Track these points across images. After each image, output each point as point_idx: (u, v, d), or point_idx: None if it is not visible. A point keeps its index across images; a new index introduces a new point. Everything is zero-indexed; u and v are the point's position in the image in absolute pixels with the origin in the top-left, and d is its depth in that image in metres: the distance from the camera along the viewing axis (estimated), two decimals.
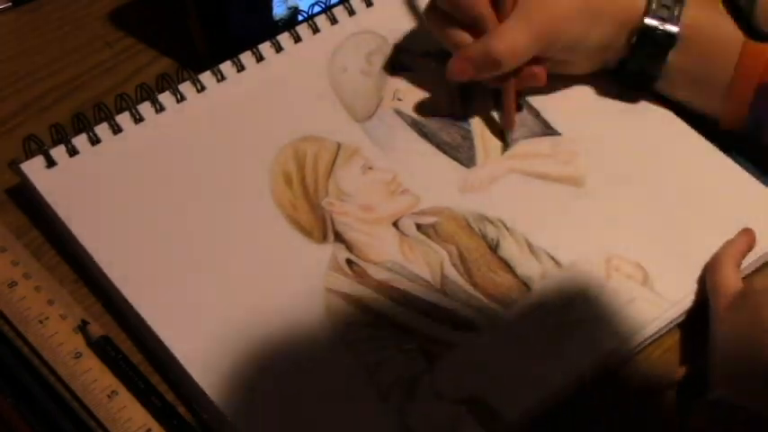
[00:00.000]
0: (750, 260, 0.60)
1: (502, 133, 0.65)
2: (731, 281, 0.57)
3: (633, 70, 0.65)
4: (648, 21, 0.62)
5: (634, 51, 0.64)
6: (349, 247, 0.59)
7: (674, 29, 0.62)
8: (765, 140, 0.63)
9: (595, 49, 0.64)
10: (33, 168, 0.60)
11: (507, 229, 0.61)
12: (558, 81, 0.66)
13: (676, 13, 0.62)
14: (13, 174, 0.61)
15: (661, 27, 0.62)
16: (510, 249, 0.60)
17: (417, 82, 0.67)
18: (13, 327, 0.56)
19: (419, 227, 0.60)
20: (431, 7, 0.64)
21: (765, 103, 0.61)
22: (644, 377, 0.57)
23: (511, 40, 0.61)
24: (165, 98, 0.64)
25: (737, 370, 0.52)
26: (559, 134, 0.66)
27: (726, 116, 0.64)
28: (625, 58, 0.64)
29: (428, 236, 0.60)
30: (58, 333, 0.55)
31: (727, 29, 0.62)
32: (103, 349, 0.55)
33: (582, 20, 0.62)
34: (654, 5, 0.62)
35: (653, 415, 0.55)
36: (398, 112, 0.66)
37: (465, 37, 0.63)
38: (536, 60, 0.63)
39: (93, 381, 0.54)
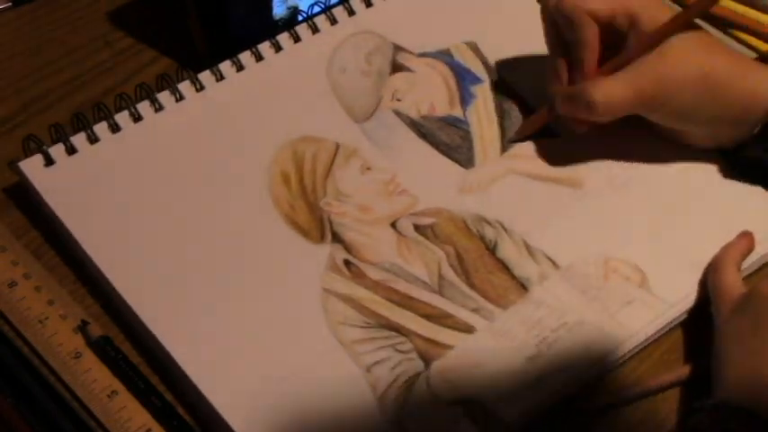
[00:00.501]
0: (750, 261, 0.60)
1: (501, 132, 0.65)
2: (733, 283, 0.56)
3: (753, 158, 0.60)
4: None
5: (755, 140, 0.60)
6: (347, 248, 0.59)
7: None
8: None
9: (709, 125, 0.61)
10: (32, 167, 0.60)
11: (505, 230, 0.61)
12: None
13: None
14: (13, 174, 0.61)
15: None
16: (508, 250, 0.60)
17: (416, 82, 0.67)
18: (13, 327, 0.56)
19: (417, 227, 0.60)
20: (545, 7, 0.63)
21: None
22: (642, 379, 0.57)
23: (609, 89, 0.59)
24: (164, 97, 0.64)
25: (741, 373, 0.51)
26: (558, 136, 0.66)
27: None
28: (744, 143, 0.61)
29: (426, 237, 0.60)
30: (57, 333, 0.56)
31: None
32: (103, 349, 0.55)
33: (696, 91, 0.58)
34: None
35: (652, 416, 0.55)
36: (397, 113, 0.66)
37: (563, 67, 0.61)
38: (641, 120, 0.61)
39: (93, 381, 0.54)
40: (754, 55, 0.69)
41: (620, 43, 0.60)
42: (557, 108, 0.62)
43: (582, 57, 0.61)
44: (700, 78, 0.58)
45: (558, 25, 0.62)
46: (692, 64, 0.58)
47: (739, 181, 0.63)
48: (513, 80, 0.68)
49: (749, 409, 0.49)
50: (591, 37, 0.60)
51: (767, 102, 0.59)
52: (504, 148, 0.65)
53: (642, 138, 0.64)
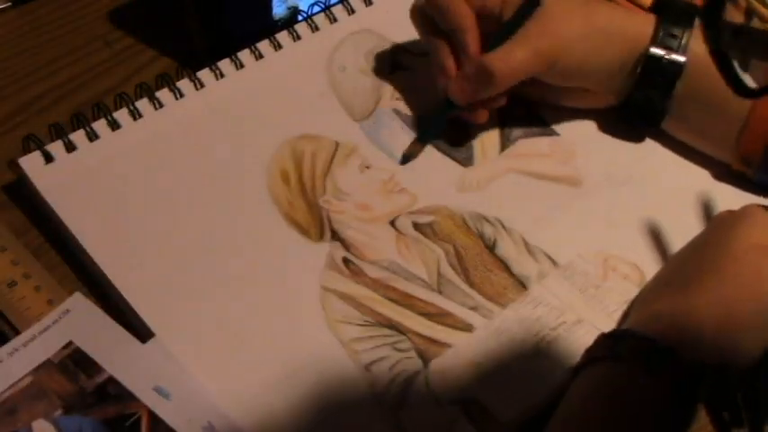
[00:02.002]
0: None
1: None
2: None
3: (639, 102, 0.62)
4: (654, 50, 0.60)
5: (640, 81, 0.61)
6: (346, 246, 0.59)
7: (680, 59, 0.60)
8: None
9: (597, 77, 0.62)
10: (31, 164, 0.60)
11: (504, 228, 0.61)
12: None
13: (683, 41, 0.60)
14: (13, 173, 0.61)
15: (667, 56, 0.60)
16: (507, 249, 0.60)
17: (416, 81, 0.67)
18: (13, 326, 0.56)
19: (416, 226, 0.60)
20: (417, 7, 0.63)
21: None
22: None
23: (506, 55, 0.59)
24: (164, 95, 0.64)
25: (657, 307, 0.52)
26: (558, 134, 0.66)
27: (737, 156, 0.61)
28: (632, 89, 0.62)
29: (425, 235, 0.60)
30: None
31: None
32: None
33: (585, 43, 0.60)
34: (661, 33, 0.60)
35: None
36: (397, 112, 0.66)
37: (443, 46, 0.61)
38: (533, 83, 0.62)
39: None
40: None
41: (493, 24, 0.61)
42: (453, 96, 0.61)
43: (465, 41, 0.60)
44: (585, 29, 0.60)
45: (431, 22, 0.62)
46: (575, 17, 0.60)
47: (737, 184, 0.63)
48: None
49: (648, 336, 0.49)
50: (470, 21, 0.60)
51: (648, 38, 0.60)
52: (503, 147, 0.65)
53: (641, 136, 0.64)
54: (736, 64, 0.42)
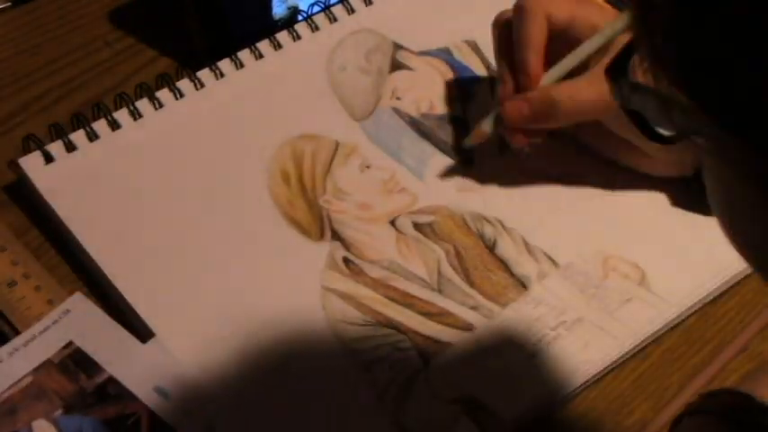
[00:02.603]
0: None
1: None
2: None
3: None
4: None
5: None
6: (346, 246, 0.59)
7: None
8: None
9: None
10: (31, 164, 0.60)
11: (505, 228, 0.61)
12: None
13: None
14: (13, 173, 0.61)
15: None
16: (507, 249, 0.60)
17: (416, 81, 0.67)
18: (13, 326, 0.56)
19: (416, 225, 0.60)
20: (502, 20, 0.61)
21: None
22: (642, 377, 0.57)
23: (577, 91, 0.57)
24: (164, 95, 0.64)
25: None
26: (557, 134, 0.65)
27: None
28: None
29: (425, 234, 0.60)
30: None
31: None
32: None
33: None
34: None
35: (652, 415, 0.55)
36: (397, 111, 0.66)
37: (505, 72, 0.59)
38: (595, 130, 0.59)
39: None
40: None
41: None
42: (505, 116, 0.58)
43: (525, 57, 0.58)
44: None
45: (505, 37, 0.60)
46: None
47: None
48: None
49: (735, 390, 0.49)
50: (536, 34, 0.58)
51: None
52: (502, 147, 0.65)
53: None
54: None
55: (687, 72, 0.29)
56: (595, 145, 0.62)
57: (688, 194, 0.61)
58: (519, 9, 0.59)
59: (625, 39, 0.57)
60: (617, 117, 0.56)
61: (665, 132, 0.42)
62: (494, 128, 0.60)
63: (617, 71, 0.40)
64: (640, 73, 0.40)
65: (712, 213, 0.34)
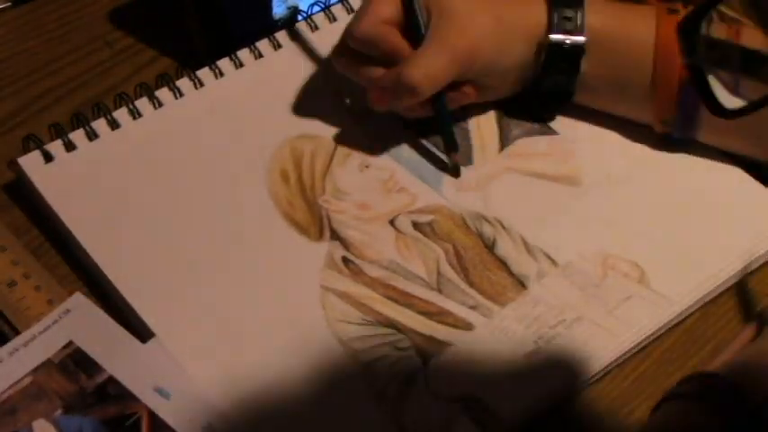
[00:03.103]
0: (750, 260, 0.60)
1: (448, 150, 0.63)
2: None
3: (549, 88, 0.62)
4: (554, 36, 0.60)
5: (546, 69, 0.61)
6: (345, 245, 0.59)
7: (580, 39, 0.60)
8: (701, 137, 0.62)
9: (512, 70, 0.62)
10: (31, 163, 0.60)
11: (504, 227, 0.61)
12: None
13: (579, 21, 0.60)
14: (13, 173, 0.61)
15: (568, 41, 0.60)
16: (506, 248, 0.60)
17: None
18: (13, 326, 0.56)
19: (416, 225, 0.60)
20: (338, 50, 0.62)
21: (693, 98, 0.59)
22: (642, 377, 0.57)
23: (425, 65, 0.59)
24: (163, 94, 0.64)
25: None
26: (557, 133, 0.65)
27: (655, 118, 0.62)
28: (540, 77, 0.62)
29: (425, 234, 0.60)
30: None
31: (636, 26, 0.60)
32: None
33: (495, 40, 0.60)
34: (556, 20, 0.60)
35: (652, 415, 0.55)
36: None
37: (380, 72, 0.60)
38: (456, 85, 0.61)
39: None
40: None
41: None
42: (372, 104, 0.61)
43: (401, 57, 0.59)
44: (492, 26, 0.60)
45: (360, 57, 0.61)
46: (480, 14, 0.60)
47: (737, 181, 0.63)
48: None
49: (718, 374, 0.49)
50: (397, 38, 0.60)
51: (545, 26, 0.60)
52: (502, 146, 0.65)
53: (640, 134, 0.64)
54: (714, 81, 0.41)
55: None
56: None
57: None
58: (360, 39, 0.60)
59: (540, 8, 0.59)
60: (467, 72, 0.60)
61: (729, 105, 0.42)
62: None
63: (690, 30, 0.39)
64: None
65: None
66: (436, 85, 0.60)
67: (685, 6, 0.59)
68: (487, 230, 0.60)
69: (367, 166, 0.63)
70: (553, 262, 0.59)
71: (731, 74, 0.41)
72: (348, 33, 0.60)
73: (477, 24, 0.59)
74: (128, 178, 0.61)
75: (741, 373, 0.50)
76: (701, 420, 0.48)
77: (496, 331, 0.56)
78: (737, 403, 0.48)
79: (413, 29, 0.60)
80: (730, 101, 0.43)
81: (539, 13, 0.61)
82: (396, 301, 0.57)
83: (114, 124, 0.62)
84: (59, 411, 0.52)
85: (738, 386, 0.48)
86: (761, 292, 0.60)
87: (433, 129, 0.64)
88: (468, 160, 0.64)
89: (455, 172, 0.62)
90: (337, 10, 0.70)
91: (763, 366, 0.50)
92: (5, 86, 0.68)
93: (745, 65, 0.37)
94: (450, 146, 0.63)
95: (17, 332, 0.56)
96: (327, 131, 0.64)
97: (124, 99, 0.63)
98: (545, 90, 0.63)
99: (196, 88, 0.65)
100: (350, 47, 0.61)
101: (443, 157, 0.63)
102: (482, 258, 0.59)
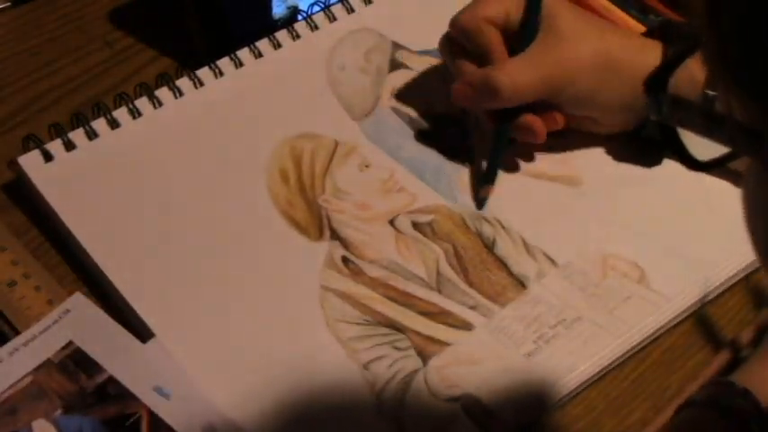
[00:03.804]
0: (750, 260, 0.59)
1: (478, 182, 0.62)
2: None
3: (654, 130, 0.60)
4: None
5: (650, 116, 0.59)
6: (345, 245, 0.59)
7: None
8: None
9: (611, 108, 0.61)
10: (31, 162, 0.60)
11: (504, 227, 0.61)
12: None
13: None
14: (13, 173, 0.61)
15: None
16: (506, 248, 0.60)
17: (415, 80, 0.67)
18: (13, 326, 0.56)
19: (415, 225, 0.60)
20: (445, 37, 0.63)
21: None
22: (642, 377, 0.57)
23: (515, 73, 0.59)
24: (163, 94, 0.64)
25: None
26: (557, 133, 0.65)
27: None
28: (644, 122, 0.61)
29: (424, 234, 0.60)
30: None
31: None
32: None
33: (594, 74, 0.59)
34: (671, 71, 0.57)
35: (652, 415, 0.55)
36: (396, 111, 0.66)
37: (471, 67, 0.61)
38: (547, 107, 0.61)
39: None
40: None
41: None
42: (454, 98, 0.61)
43: (492, 58, 0.60)
44: (596, 59, 0.59)
45: (460, 48, 0.62)
46: (587, 43, 0.59)
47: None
48: None
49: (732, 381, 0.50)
50: (494, 38, 0.60)
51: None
52: (478, 206, 0.63)
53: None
54: (684, 135, 0.41)
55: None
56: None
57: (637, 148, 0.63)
58: (461, 29, 0.61)
59: (656, 54, 0.58)
60: (557, 96, 0.59)
61: (702, 158, 0.41)
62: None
63: (656, 86, 0.39)
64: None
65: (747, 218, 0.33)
66: (519, 96, 0.59)
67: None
68: (487, 230, 0.60)
69: (367, 166, 0.63)
70: (553, 262, 0.59)
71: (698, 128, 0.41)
72: (451, 20, 0.61)
73: (581, 54, 0.59)
74: (128, 178, 0.61)
75: (754, 379, 0.50)
76: (719, 429, 0.48)
77: (496, 331, 0.56)
78: (756, 411, 0.48)
79: (522, 35, 0.60)
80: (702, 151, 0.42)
81: (652, 58, 0.59)
82: (395, 301, 0.57)
83: (114, 124, 0.62)
84: (59, 411, 0.52)
85: (752, 393, 0.48)
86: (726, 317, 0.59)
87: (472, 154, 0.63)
88: (469, 161, 0.64)
89: (480, 204, 0.62)
90: (337, 10, 0.69)
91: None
92: (5, 86, 0.68)
93: (706, 126, 0.37)
94: (489, 177, 0.62)
95: (17, 332, 0.56)
96: (327, 131, 0.64)
97: (124, 99, 0.63)
98: (646, 136, 0.61)
99: (196, 88, 0.65)
100: (452, 35, 0.62)
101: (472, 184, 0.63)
102: (482, 258, 0.59)
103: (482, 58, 0.61)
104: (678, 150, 0.41)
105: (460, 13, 0.61)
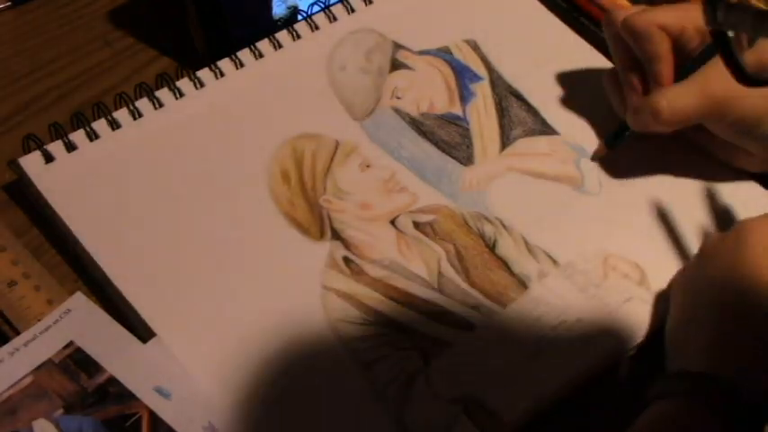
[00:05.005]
0: None
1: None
2: None
3: None
4: None
5: None
6: (346, 245, 0.59)
7: None
8: None
9: None
10: (32, 164, 0.60)
11: (505, 227, 0.61)
12: (556, 82, 0.66)
13: None
14: (13, 173, 0.61)
15: None
16: (507, 248, 0.60)
17: (416, 80, 0.67)
18: (13, 326, 0.56)
19: (417, 225, 0.60)
20: (613, 33, 0.62)
21: None
22: (643, 377, 0.56)
23: (675, 97, 0.58)
24: (164, 94, 0.64)
25: (700, 342, 0.51)
26: (558, 133, 0.66)
27: None
28: None
29: (426, 234, 0.60)
30: None
31: None
32: None
33: (764, 100, 0.57)
34: None
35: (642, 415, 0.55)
36: (397, 111, 0.66)
37: (631, 76, 0.61)
38: (701, 131, 0.60)
39: None
40: None
41: (686, 58, 0.60)
42: (629, 122, 0.61)
43: (657, 69, 0.60)
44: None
45: (625, 43, 0.61)
46: None
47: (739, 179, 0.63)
48: (512, 78, 0.68)
49: (710, 374, 0.49)
50: (665, 50, 0.60)
51: None
52: (503, 146, 0.65)
53: (641, 135, 0.64)
54: (738, 48, 0.41)
55: None
56: (699, 142, 0.63)
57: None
58: (631, 30, 0.60)
59: None
60: (719, 121, 0.58)
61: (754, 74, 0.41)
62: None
63: None
64: None
65: None
66: (680, 120, 0.59)
67: None
68: (488, 230, 0.60)
69: (368, 166, 0.63)
70: (554, 262, 0.59)
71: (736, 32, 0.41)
72: (624, 18, 0.61)
73: None
74: (129, 178, 0.61)
75: (729, 370, 0.49)
76: (699, 419, 0.48)
77: (497, 332, 0.56)
78: (733, 400, 0.48)
79: (698, 58, 0.59)
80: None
81: None
82: (397, 301, 0.57)
83: (115, 125, 0.62)
84: (60, 411, 0.52)
85: (730, 382, 0.48)
86: None
87: None
88: (470, 160, 0.64)
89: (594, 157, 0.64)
90: (338, 10, 0.69)
91: (749, 360, 0.50)
92: (5, 86, 0.68)
93: (755, 25, 0.38)
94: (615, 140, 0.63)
95: (17, 332, 0.55)
96: (328, 131, 0.64)
97: (124, 99, 0.63)
98: None
99: (196, 88, 0.65)
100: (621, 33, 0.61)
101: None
102: (483, 258, 0.59)
103: (648, 63, 0.60)
104: (731, 62, 0.42)
105: (635, 13, 0.60)
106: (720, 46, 0.40)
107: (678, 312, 0.54)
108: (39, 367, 0.53)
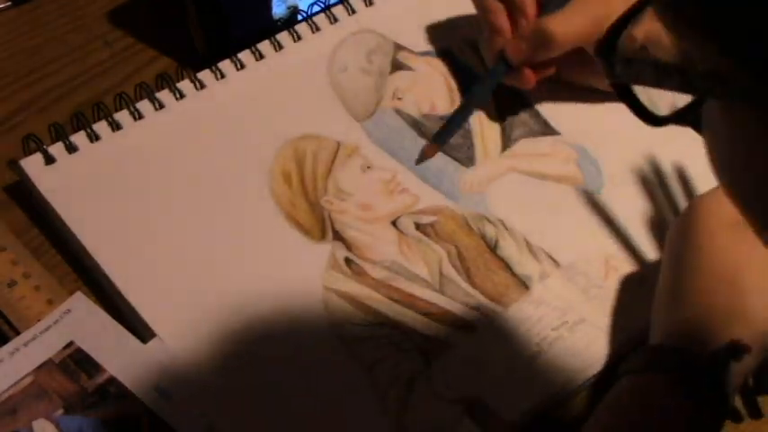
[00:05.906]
0: None
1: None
2: None
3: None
4: None
5: None
6: (348, 246, 0.59)
7: None
8: None
9: None
10: (33, 165, 0.60)
11: (506, 228, 0.60)
12: (557, 82, 0.66)
13: None
14: (14, 173, 0.61)
15: None
16: (509, 249, 0.59)
17: (417, 81, 0.67)
18: (13, 326, 0.56)
19: (418, 226, 0.60)
20: None
21: None
22: None
23: (567, 20, 0.61)
24: (164, 96, 0.64)
25: (671, 317, 0.52)
26: (559, 134, 0.65)
27: None
28: None
29: (427, 235, 0.60)
30: None
31: None
32: None
33: None
34: None
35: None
36: (398, 112, 0.66)
37: (499, 8, 0.62)
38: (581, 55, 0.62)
39: None
40: None
41: None
42: (510, 55, 0.62)
43: (523, 3, 0.62)
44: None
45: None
46: None
47: None
48: None
49: (681, 348, 0.50)
50: None
51: None
52: (504, 147, 0.64)
53: (642, 135, 0.64)
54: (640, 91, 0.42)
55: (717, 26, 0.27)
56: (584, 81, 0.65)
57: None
58: None
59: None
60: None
61: (658, 113, 0.42)
62: (500, 80, 0.64)
63: (607, 50, 0.40)
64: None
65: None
66: (571, 42, 0.61)
67: None
68: (490, 231, 0.60)
69: (369, 167, 0.63)
70: (556, 263, 0.59)
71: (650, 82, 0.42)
72: None
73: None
74: (129, 180, 0.61)
75: (681, 338, 0.50)
76: (662, 391, 0.49)
77: (499, 332, 0.56)
78: (690, 366, 0.48)
79: None
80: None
81: None
82: (398, 302, 0.57)
83: (115, 126, 0.62)
84: (60, 411, 0.52)
85: (685, 350, 0.49)
86: None
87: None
88: (471, 161, 0.64)
89: (420, 159, 0.63)
90: (338, 11, 0.69)
91: (700, 327, 0.51)
92: (5, 86, 0.67)
93: (658, 78, 0.38)
94: (441, 137, 0.63)
95: (17, 332, 0.55)
96: (329, 132, 0.64)
97: (125, 100, 0.63)
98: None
99: (197, 90, 0.64)
100: None
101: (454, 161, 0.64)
102: (484, 259, 0.59)
103: (513, 9, 0.62)
104: (637, 109, 0.43)
105: None
106: (623, 99, 0.41)
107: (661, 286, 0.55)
108: (39, 367, 0.53)
